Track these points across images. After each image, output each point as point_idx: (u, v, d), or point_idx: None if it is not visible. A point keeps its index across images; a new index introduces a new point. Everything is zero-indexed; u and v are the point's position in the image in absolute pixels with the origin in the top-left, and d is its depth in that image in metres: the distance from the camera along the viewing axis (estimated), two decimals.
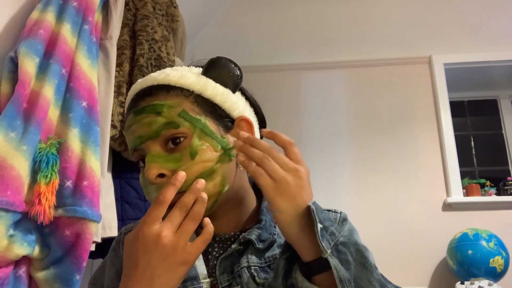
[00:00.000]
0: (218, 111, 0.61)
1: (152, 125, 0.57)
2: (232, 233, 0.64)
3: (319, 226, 0.51)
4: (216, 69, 0.62)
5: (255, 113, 0.69)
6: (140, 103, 0.59)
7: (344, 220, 0.65)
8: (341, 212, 0.67)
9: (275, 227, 0.65)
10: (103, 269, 0.72)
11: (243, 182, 0.66)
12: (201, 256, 0.63)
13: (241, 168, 0.62)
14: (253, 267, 0.59)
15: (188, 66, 0.67)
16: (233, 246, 0.61)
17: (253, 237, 0.60)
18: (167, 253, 0.50)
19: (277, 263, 0.55)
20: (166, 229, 0.51)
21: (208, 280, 0.60)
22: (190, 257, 0.52)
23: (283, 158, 0.54)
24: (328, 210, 0.67)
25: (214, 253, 0.64)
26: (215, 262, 0.62)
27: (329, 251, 0.50)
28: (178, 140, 0.57)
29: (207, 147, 0.57)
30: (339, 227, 0.56)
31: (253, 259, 0.60)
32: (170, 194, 0.53)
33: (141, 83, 0.62)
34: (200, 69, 0.64)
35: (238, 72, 0.63)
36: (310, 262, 0.52)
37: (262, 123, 0.72)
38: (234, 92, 0.63)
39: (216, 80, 0.62)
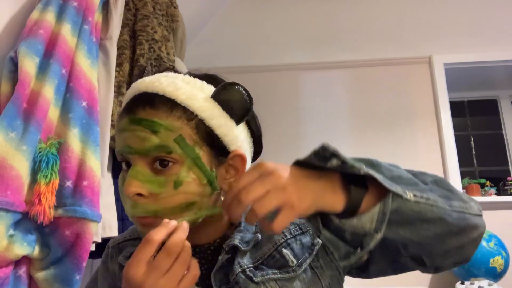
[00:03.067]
0: (216, 142, 0.58)
1: (145, 142, 0.55)
2: (212, 241, 0.64)
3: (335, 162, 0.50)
4: (228, 96, 0.58)
5: (253, 143, 0.66)
6: (140, 111, 0.56)
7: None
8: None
9: (257, 225, 0.64)
10: (95, 281, 0.72)
11: None
12: None
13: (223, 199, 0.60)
14: (247, 269, 0.58)
15: (201, 78, 0.62)
16: (219, 257, 0.60)
17: (236, 241, 0.60)
18: None
19: (324, 239, 0.56)
20: (152, 277, 0.48)
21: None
22: None
23: (254, 180, 0.49)
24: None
25: (203, 268, 0.62)
26: (202, 271, 0.62)
27: (362, 167, 0.50)
28: (166, 163, 0.55)
29: (192, 179, 0.56)
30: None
31: (245, 261, 0.59)
32: (161, 237, 0.50)
33: (147, 85, 0.58)
34: (212, 89, 0.60)
35: (249, 105, 0.59)
36: (348, 203, 0.51)
37: (258, 152, 0.69)
38: (238, 124, 0.60)
39: (224, 107, 0.58)
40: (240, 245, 0.60)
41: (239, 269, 0.58)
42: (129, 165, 0.58)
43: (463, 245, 0.55)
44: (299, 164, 0.52)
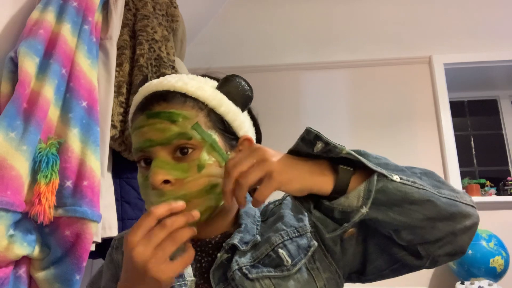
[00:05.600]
0: (227, 128, 0.63)
1: (165, 132, 0.58)
2: (213, 236, 0.67)
3: (320, 145, 0.55)
4: (231, 86, 0.64)
5: (255, 132, 0.71)
6: (155, 107, 0.60)
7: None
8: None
9: (257, 228, 0.67)
10: (101, 273, 0.74)
11: None
12: None
13: None
14: (244, 267, 0.60)
15: (203, 76, 0.68)
16: (219, 255, 0.62)
17: (235, 241, 0.62)
18: (138, 267, 0.51)
19: (314, 218, 0.58)
20: (142, 245, 0.51)
21: (193, 279, 0.63)
22: (163, 276, 0.51)
23: (244, 156, 0.55)
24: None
25: (203, 261, 0.65)
26: (203, 264, 0.65)
27: (344, 148, 0.55)
28: (186, 150, 0.59)
29: (213, 162, 0.60)
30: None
31: (242, 260, 0.61)
32: (162, 211, 0.53)
33: (156, 84, 0.63)
34: (215, 83, 0.66)
35: (250, 93, 0.66)
36: (336, 183, 0.55)
37: (259, 141, 0.74)
38: (242, 111, 0.66)
39: (229, 96, 0.64)
40: (239, 245, 0.62)
41: (236, 267, 0.60)
42: (147, 161, 0.61)
43: (456, 232, 0.55)
44: (290, 153, 0.58)
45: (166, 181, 0.57)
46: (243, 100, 0.65)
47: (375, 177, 0.53)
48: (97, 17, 1.25)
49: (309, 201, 0.57)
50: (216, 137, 0.61)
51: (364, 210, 0.52)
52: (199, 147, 0.59)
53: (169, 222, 0.52)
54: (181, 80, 0.62)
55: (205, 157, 0.59)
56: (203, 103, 0.62)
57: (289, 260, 0.61)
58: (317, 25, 2.83)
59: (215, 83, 0.65)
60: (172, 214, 0.54)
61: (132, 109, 0.66)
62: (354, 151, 0.57)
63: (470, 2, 2.71)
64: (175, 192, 0.57)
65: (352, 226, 0.54)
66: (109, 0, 1.31)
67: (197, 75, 0.69)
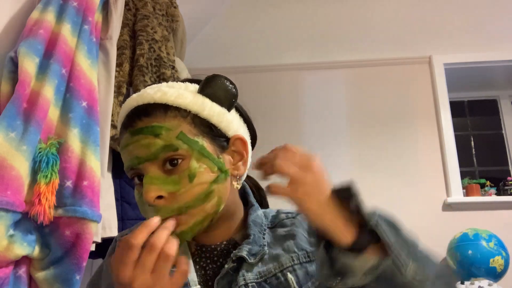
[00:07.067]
0: (214, 131, 0.61)
1: (150, 147, 0.57)
2: (218, 242, 0.66)
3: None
4: (213, 87, 0.62)
5: (248, 128, 0.69)
6: (137, 123, 0.59)
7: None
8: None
9: (264, 238, 0.66)
10: (101, 274, 0.73)
11: (234, 197, 0.67)
12: (191, 263, 0.65)
13: (235, 186, 0.63)
14: (250, 284, 0.60)
15: (183, 81, 0.66)
16: (226, 266, 0.62)
17: (244, 253, 0.62)
18: None
19: (317, 254, 0.55)
20: (139, 276, 0.49)
21: (198, 287, 0.62)
22: None
23: (295, 159, 0.54)
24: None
25: (208, 269, 0.65)
26: (207, 271, 0.64)
27: (374, 220, 0.50)
28: (175, 162, 0.57)
29: (204, 169, 0.58)
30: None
31: (249, 275, 0.61)
32: (142, 237, 0.51)
33: (136, 99, 0.61)
34: (196, 86, 0.63)
35: (234, 91, 0.63)
36: (354, 241, 0.51)
37: (254, 138, 0.72)
38: (229, 110, 0.63)
39: (212, 98, 0.62)
40: (247, 257, 0.62)
41: (243, 282, 0.60)
42: (141, 178, 0.59)
43: None
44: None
45: (160, 197, 0.56)
46: (227, 100, 0.62)
47: (390, 262, 0.49)
48: (97, 17, 1.25)
49: (322, 240, 0.54)
50: (204, 142, 0.59)
51: (362, 282, 0.50)
52: (187, 156, 0.57)
53: (154, 243, 0.51)
54: (160, 91, 0.60)
55: (195, 165, 0.57)
56: (185, 110, 0.60)
57: (297, 287, 0.61)
58: (317, 25, 2.83)
59: (196, 87, 0.63)
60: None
61: (118, 127, 0.65)
62: (387, 220, 0.52)
63: (470, 2, 2.71)
64: (170, 206, 0.56)
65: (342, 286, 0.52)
66: (109, 0, 1.31)
67: (177, 81, 0.67)
